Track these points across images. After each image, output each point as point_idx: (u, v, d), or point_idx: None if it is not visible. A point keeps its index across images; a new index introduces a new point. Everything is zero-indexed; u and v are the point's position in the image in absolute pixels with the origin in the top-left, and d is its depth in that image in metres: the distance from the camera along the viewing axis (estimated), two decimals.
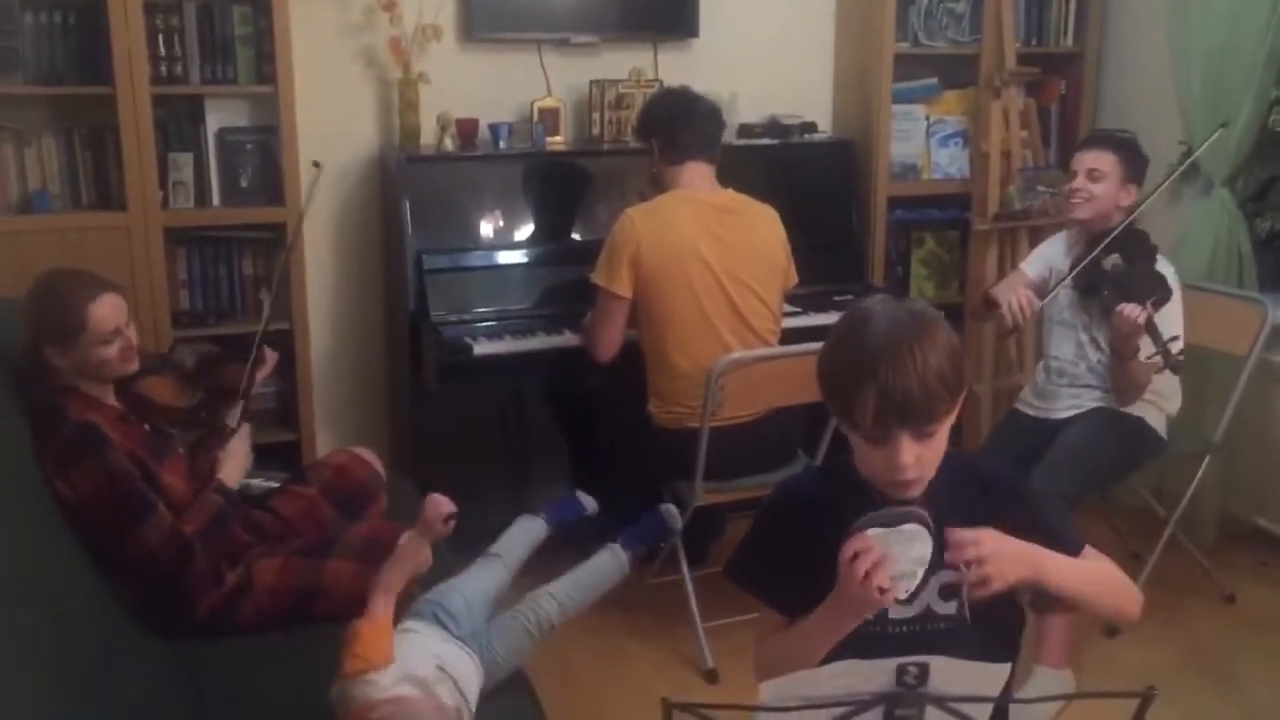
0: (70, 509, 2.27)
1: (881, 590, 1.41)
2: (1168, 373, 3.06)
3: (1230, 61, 3.53)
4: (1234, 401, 3.33)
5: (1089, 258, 3.07)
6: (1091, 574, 1.62)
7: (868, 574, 1.41)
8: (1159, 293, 2.97)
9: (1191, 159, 3.39)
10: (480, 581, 2.37)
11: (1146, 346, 2.93)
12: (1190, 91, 3.65)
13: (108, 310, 2.40)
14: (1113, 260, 3.05)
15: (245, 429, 2.71)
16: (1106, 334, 3.08)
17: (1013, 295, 3.13)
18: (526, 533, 2.68)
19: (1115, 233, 3.07)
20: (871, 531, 1.43)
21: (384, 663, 1.97)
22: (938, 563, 1.53)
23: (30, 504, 2.15)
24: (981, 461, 1.72)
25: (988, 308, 3.30)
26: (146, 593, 2.35)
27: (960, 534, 1.47)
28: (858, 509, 1.48)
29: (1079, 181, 3.12)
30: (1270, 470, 3.69)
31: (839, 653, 1.48)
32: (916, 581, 1.44)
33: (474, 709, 2.05)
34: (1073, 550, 1.62)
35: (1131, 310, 2.85)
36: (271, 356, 2.84)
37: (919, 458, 1.49)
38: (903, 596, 1.45)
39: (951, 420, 1.53)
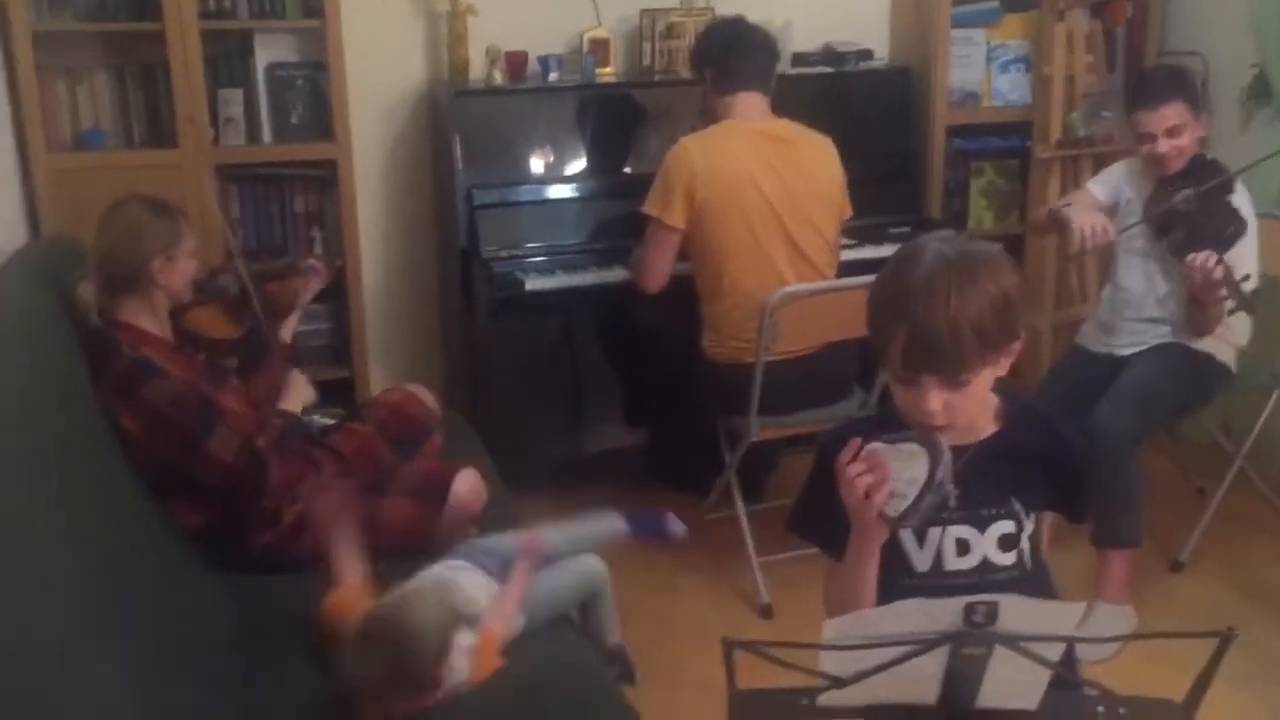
0: (134, 440, 2.28)
1: (880, 512, 1.42)
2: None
3: None
4: None
5: (1165, 206, 2.93)
6: None
7: (868, 492, 1.41)
8: (1232, 228, 2.86)
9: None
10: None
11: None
12: (1264, 10, 3.50)
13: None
14: (1184, 195, 2.92)
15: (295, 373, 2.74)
16: (1178, 271, 2.99)
17: (1087, 219, 3.03)
18: (600, 532, 2.50)
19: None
20: (872, 446, 1.42)
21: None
22: (997, 514, 1.53)
23: (89, 438, 2.16)
24: (1060, 424, 1.63)
25: (1055, 226, 3.20)
26: (209, 519, 2.38)
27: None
28: None
29: (1163, 145, 2.97)
30: None
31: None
32: (907, 502, 1.42)
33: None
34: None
35: (1205, 261, 2.71)
36: (319, 269, 2.88)
37: (948, 404, 1.46)
38: (891, 514, 1.43)
39: (996, 371, 1.50)
